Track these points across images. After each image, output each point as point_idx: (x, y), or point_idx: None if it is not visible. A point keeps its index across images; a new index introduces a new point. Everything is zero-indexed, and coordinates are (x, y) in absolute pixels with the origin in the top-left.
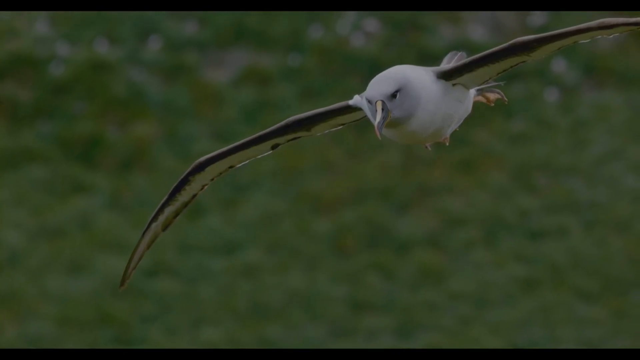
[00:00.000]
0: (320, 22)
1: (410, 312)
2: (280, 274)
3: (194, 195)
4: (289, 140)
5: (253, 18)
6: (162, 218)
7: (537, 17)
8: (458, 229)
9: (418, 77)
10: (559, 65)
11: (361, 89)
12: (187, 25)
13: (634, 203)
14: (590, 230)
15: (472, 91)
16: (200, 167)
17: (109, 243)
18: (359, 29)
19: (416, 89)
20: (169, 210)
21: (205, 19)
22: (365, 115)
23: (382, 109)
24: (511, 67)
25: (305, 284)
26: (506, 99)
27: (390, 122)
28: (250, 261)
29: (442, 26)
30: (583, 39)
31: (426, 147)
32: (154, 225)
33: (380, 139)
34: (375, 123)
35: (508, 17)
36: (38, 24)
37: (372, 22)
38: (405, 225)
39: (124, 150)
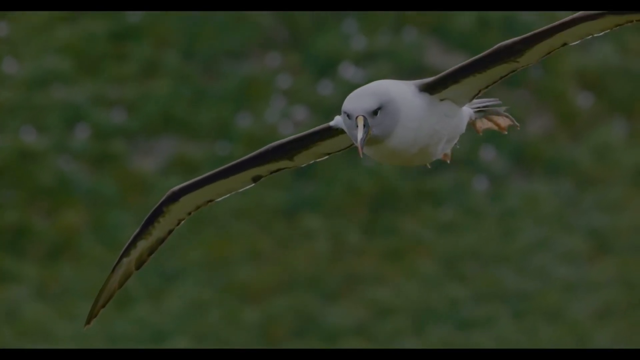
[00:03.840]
0: (248, 111)
1: None
2: None
3: (170, 231)
4: (271, 172)
5: (181, 107)
6: (135, 253)
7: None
8: (387, 318)
9: (400, 93)
10: (488, 154)
11: (290, 178)
12: (115, 113)
13: (563, 292)
14: (519, 320)
15: (467, 110)
16: (174, 197)
17: (36, 333)
18: (288, 117)
19: (397, 106)
20: (142, 246)
21: (133, 108)
22: (350, 145)
23: (364, 125)
24: (501, 77)
25: None
26: (518, 124)
27: (369, 139)
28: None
29: None
30: (572, 39)
31: (426, 165)
32: (125, 260)
33: (362, 157)
34: (358, 140)
35: None
36: None
37: (300, 110)
38: (334, 315)
39: (51, 240)
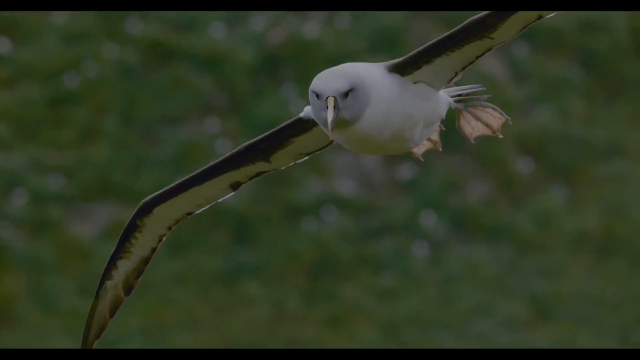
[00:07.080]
0: (187, 175)
1: None
2: None
3: (154, 249)
4: (250, 177)
5: (119, 172)
6: (119, 276)
7: (405, 171)
8: None
9: (370, 75)
10: (428, 219)
11: (229, 244)
12: (52, 179)
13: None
14: None
15: (445, 96)
16: (146, 209)
17: None
18: None
19: (368, 89)
20: (125, 267)
21: (71, 173)
22: (329, 144)
23: (335, 107)
24: (477, 56)
25: None
26: (509, 118)
27: (338, 122)
28: None
29: (310, 180)
30: (548, 10)
31: (418, 158)
32: (109, 284)
33: (332, 139)
34: (328, 122)
35: (377, 171)
36: None
37: None
38: None
39: None
